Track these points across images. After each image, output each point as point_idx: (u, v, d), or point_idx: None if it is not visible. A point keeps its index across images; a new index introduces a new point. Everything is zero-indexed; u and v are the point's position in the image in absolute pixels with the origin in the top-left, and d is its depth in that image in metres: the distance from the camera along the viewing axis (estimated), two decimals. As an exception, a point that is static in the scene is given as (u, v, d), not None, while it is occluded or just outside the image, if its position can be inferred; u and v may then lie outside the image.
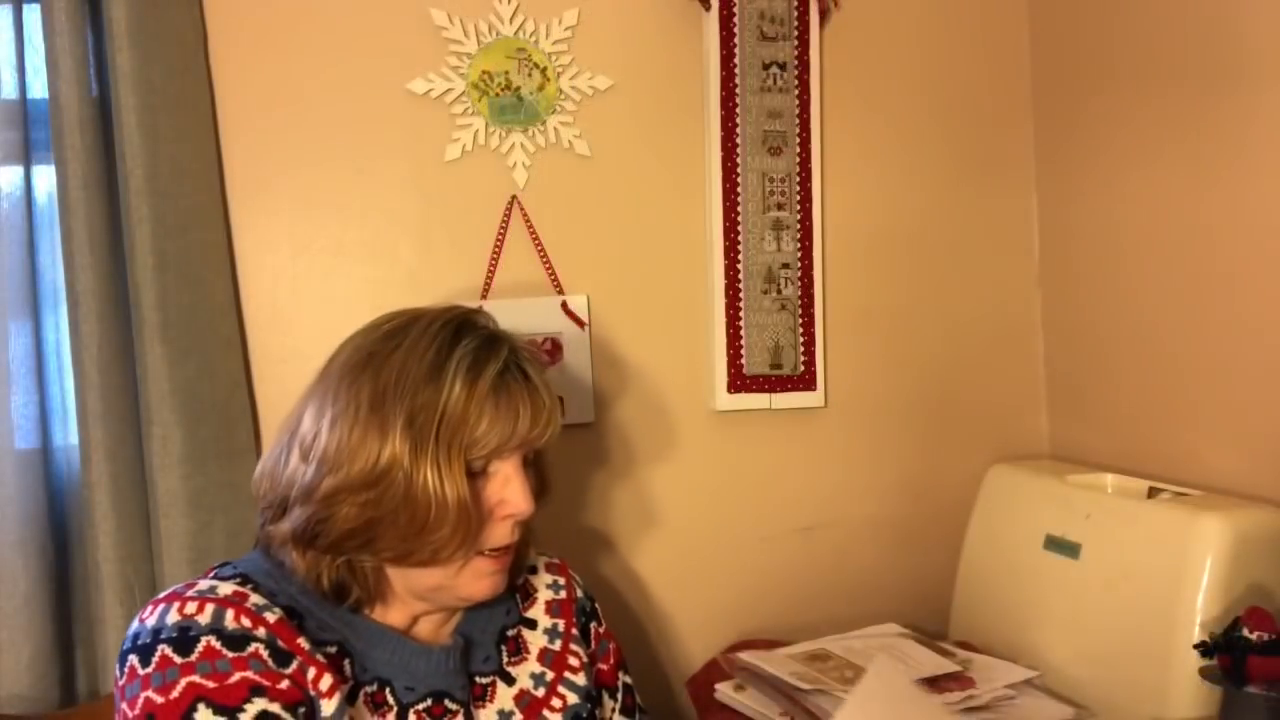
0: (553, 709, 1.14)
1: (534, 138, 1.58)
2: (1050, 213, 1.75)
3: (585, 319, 1.59)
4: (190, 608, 0.96)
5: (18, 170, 1.39)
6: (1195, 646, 1.20)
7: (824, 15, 1.66)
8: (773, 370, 1.65)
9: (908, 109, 1.72)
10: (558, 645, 1.18)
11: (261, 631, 0.96)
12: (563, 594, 1.22)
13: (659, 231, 1.63)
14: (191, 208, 1.42)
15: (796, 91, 1.65)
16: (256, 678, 0.94)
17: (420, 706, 1.05)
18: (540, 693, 1.14)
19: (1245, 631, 1.14)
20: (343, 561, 1.03)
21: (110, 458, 1.38)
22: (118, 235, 1.40)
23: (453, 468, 1.00)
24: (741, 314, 1.64)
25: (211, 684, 0.92)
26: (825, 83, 1.68)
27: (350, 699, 1.01)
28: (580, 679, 1.18)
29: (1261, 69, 1.35)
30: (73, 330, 1.38)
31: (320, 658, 1.00)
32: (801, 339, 1.66)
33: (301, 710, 0.96)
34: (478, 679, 1.11)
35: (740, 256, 1.63)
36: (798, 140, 1.65)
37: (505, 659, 1.14)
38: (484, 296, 1.56)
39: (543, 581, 1.22)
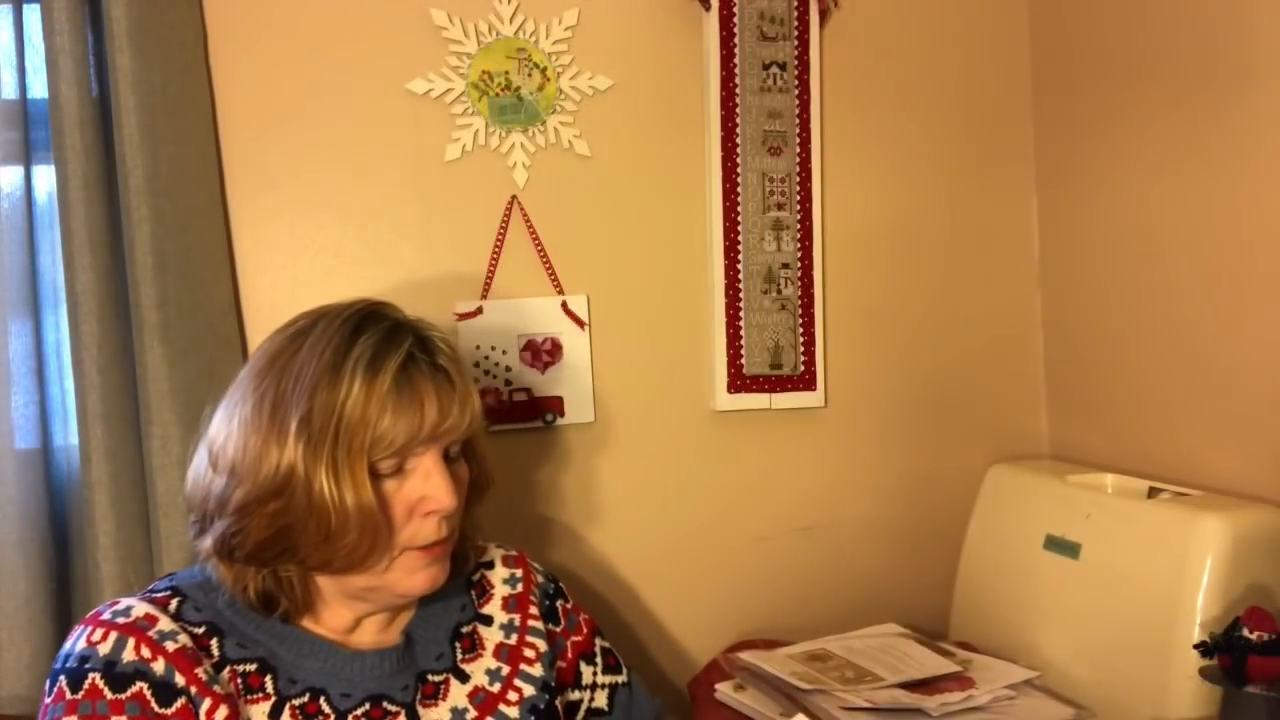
0: (509, 703, 1.12)
1: (534, 138, 1.58)
2: (1050, 213, 1.75)
3: (585, 319, 1.59)
4: (96, 634, 0.96)
5: (18, 170, 1.39)
6: (1195, 646, 1.20)
7: (824, 15, 1.66)
8: (772, 370, 1.65)
9: (908, 109, 1.72)
10: (514, 639, 1.16)
11: (158, 664, 0.96)
12: (520, 587, 1.20)
13: (659, 231, 1.63)
14: (191, 208, 1.42)
15: (796, 91, 1.65)
16: None
17: (358, 711, 1.04)
18: (496, 688, 1.12)
19: (1245, 631, 1.14)
20: (267, 572, 1.02)
21: (110, 458, 1.38)
22: (117, 235, 1.40)
23: (354, 472, 0.97)
24: (741, 314, 1.64)
25: None
26: (825, 83, 1.68)
27: (275, 715, 1.00)
28: (537, 670, 1.15)
29: (1262, 69, 1.35)
30: (73, 330, 1.38)
31: (235, 679, 0.99)
32: (801, 339, 1.66)
33: None
34: (430, 677, 1.10)
35: (740, 256, 1.63)
36: (797, 140, 1.65)
37: (459, 656, 1.12)
38: (484, 296, 1.56)
39: (499, 576, 1.21)
